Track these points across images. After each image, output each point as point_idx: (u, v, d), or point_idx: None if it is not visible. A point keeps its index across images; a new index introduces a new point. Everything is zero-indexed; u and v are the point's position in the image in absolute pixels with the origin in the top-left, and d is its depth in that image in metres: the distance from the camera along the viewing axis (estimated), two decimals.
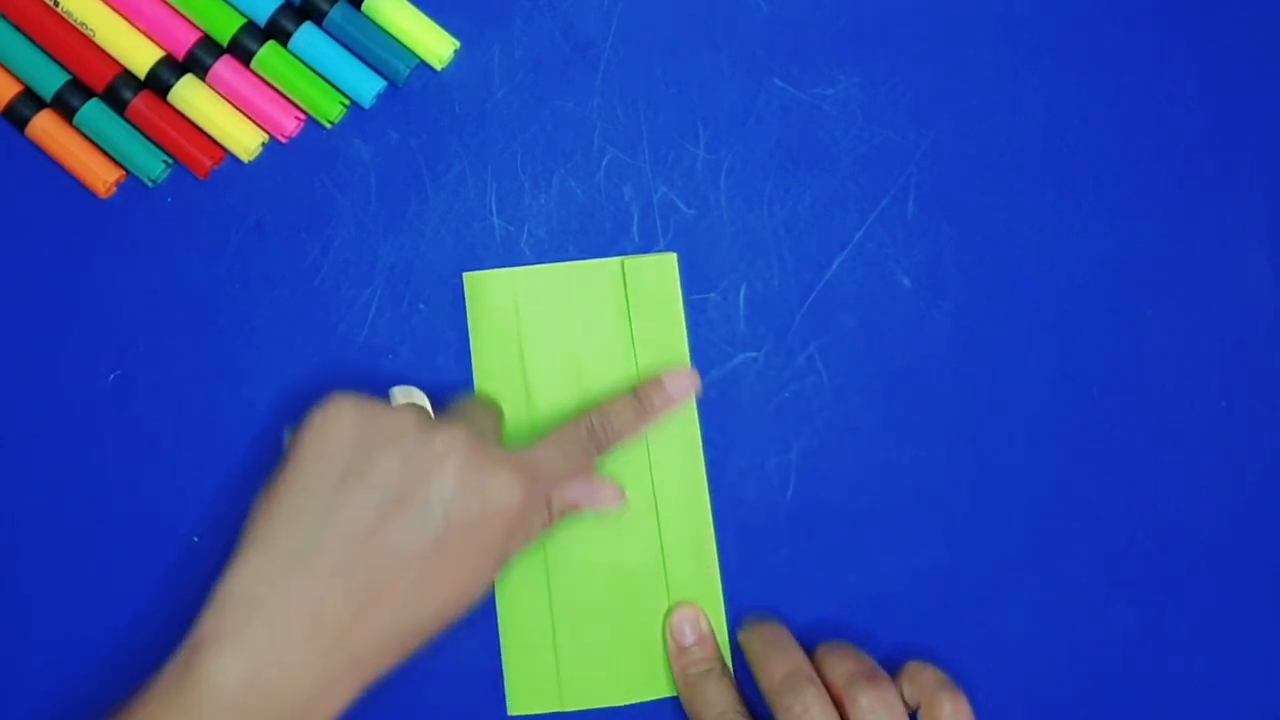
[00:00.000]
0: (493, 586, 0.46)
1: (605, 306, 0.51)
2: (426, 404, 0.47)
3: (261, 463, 0.50)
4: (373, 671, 0.43)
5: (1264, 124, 0.53)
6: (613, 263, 0.51)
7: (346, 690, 0.42)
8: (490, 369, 0.50)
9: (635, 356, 0.50)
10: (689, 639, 0.49)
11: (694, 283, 0.51)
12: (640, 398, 0.49)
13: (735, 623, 0.50)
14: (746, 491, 0.50)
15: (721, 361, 0.51)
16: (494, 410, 0.49)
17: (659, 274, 0.51)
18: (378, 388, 0.50)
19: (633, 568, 0.50)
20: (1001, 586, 0.50)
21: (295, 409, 0.50)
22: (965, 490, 0.51)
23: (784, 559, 0.50)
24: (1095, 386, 0.51)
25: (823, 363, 0.51)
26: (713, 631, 0.49)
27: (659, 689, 0.49)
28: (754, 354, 0.51)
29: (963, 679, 0.47)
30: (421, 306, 0.51)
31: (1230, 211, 0.52)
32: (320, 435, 0.44)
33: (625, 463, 0.50)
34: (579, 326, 0.51)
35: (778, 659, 0.47)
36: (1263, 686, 0.50)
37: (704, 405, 0.51)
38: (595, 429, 0.48)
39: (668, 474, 0.50)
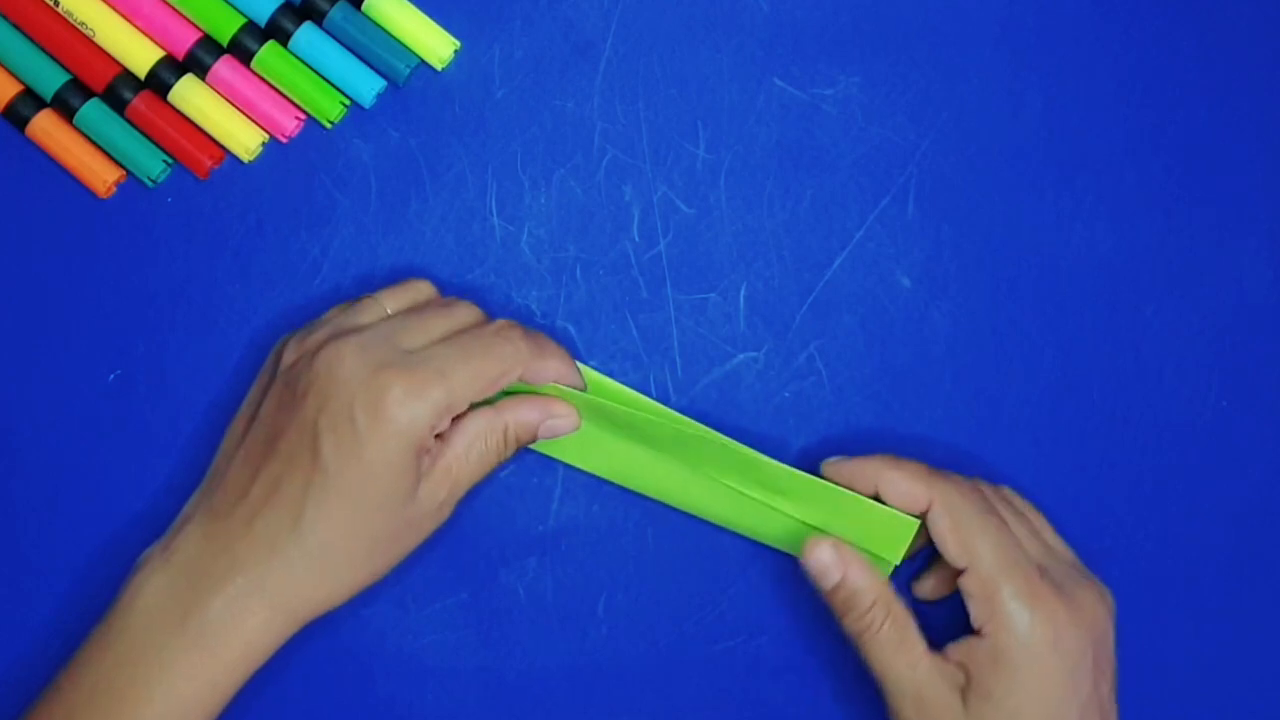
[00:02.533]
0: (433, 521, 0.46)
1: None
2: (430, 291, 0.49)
3: None
4: (296, 607, 0.44)
5: (1264, 124, 0.53)
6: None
7: (260, 619, 0.43)
8: None
9: None
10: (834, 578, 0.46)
11: (694, 283, 0.51)
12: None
13: None
14: None
15: (721, 361, 0.51)
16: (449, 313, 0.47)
17: None
18: None
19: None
20: None
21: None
22: None
23: (781, 561, 0.50)
24: (1095, 386, 0.51)
25: (823, 363, 0.51)
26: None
27: None
28: (754, 354, 0.51)
29: None
30: None
31: (1230, 211, 0.52)
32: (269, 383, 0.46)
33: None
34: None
35: (904, 464, 0.47)
36: (1263, 686, 0.50)
37: (704, 405, 0.51)
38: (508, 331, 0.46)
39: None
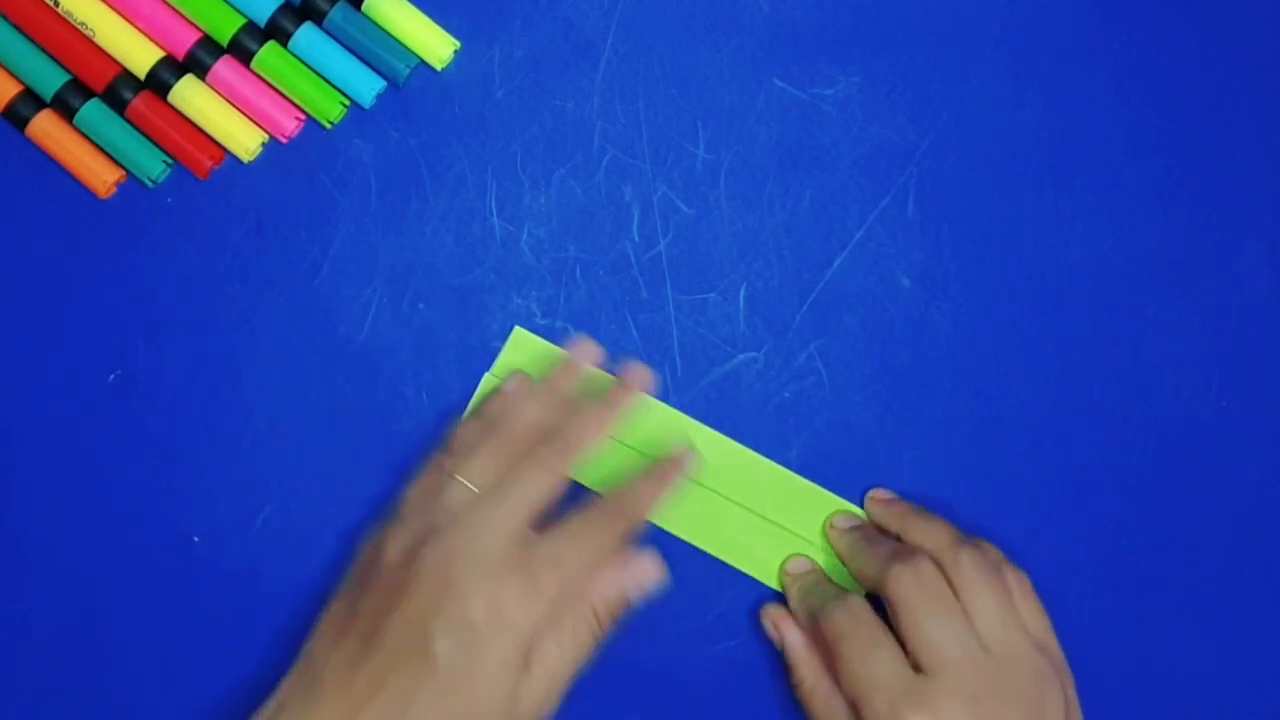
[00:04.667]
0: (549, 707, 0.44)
1: None
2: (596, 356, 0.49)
3: (262, 462, 0.50)
4: None
5: (1264, 123, 0.53)
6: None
7: None
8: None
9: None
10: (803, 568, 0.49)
11: (694, 283, 0.51)
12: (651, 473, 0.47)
13: None
14: None
15: (721, 361, 0.51)
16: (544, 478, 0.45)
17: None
18: (377, 388, 0.50)
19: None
20: None
21: (295, 409, 0.50)
22: (965, 491, 0.51)
23: None
24: (1095, 386, 0.51)
25: (823, 363, 0.51)
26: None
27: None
28: (754, 354, 0.51)
29: None
30: (421, 306, 0.51)
31: (1230, 211, 0.52)
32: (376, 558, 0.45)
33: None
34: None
35: (876, 544, 0.47)
36: (1263, 686, 0.50)
37: (704, 405, 0.51)
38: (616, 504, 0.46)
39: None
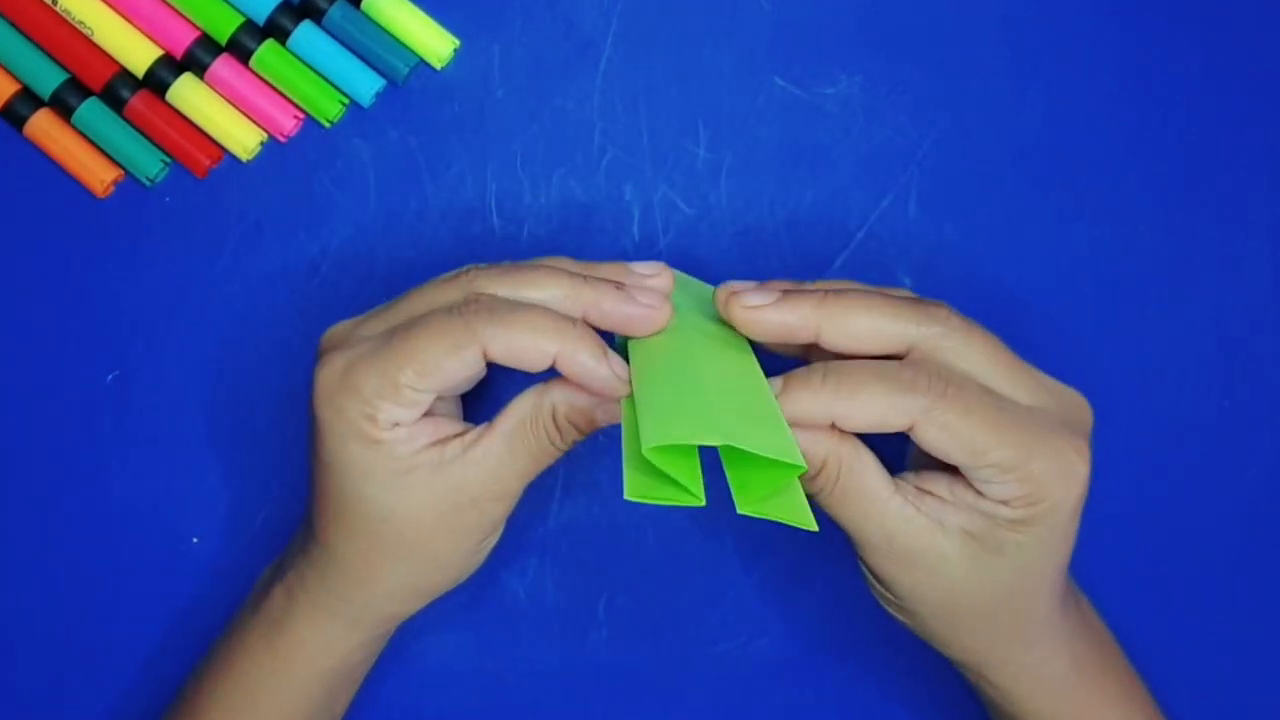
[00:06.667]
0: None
1: None
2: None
3: (262, 462, 0.50)
4: (336, 607, 0.44)
5: (1266, 123, 0.52)
6: None
7: (307, 617, 0.44)
8: None
9: None
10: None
11: None
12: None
13: None
14: None
15: None
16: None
17: None
18: None
19: None
20: None
21: (294, 409, 0.50)
22: None
23: (782, 562, 0.50)
24: (1096, 386, 0.51)
25: None
26: None
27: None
28: None
29: (960, 683, 0.47)
30: None
31: (1232, 210, 0.52)
32: None
33: None
34: None
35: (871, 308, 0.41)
36: (1264, 686, 0.50)
37: None
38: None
39: None
